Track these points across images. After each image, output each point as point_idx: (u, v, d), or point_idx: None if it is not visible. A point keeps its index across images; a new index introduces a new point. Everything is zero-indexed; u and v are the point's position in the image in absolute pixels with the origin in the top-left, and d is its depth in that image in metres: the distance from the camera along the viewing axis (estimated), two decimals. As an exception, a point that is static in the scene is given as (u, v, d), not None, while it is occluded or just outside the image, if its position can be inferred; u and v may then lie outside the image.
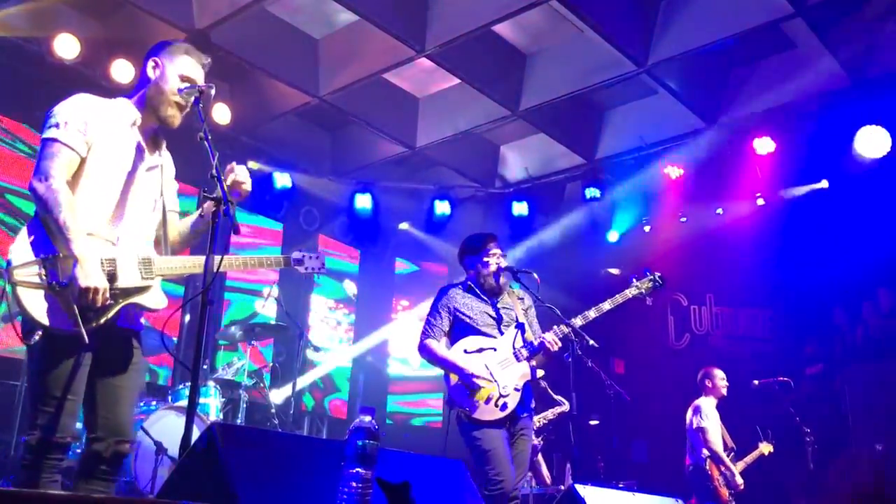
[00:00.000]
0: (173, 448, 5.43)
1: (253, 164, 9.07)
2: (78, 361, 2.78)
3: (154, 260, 2.97)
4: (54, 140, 2.80)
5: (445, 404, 4.54)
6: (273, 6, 7.38)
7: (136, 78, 7.26)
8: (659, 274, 4.93)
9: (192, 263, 3.07)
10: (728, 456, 6.87)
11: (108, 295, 2.78)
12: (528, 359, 4.45)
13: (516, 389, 4.36)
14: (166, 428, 5.63)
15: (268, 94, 8.34)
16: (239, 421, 6.54)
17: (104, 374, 2.90)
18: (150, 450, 5.45)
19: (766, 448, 7.02)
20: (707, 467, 6.78)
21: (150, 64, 3.09)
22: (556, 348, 4.44)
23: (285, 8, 7.50)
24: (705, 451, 6.83)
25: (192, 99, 3.08)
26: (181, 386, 6.35)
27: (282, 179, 9.18)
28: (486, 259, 4.65)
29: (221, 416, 6.44)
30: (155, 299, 2.99)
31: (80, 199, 2.84)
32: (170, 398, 6.29)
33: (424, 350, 4.57)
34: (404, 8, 7.09)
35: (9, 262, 2.72)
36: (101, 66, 7.30)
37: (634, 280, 4.91)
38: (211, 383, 6.49)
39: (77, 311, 2.72)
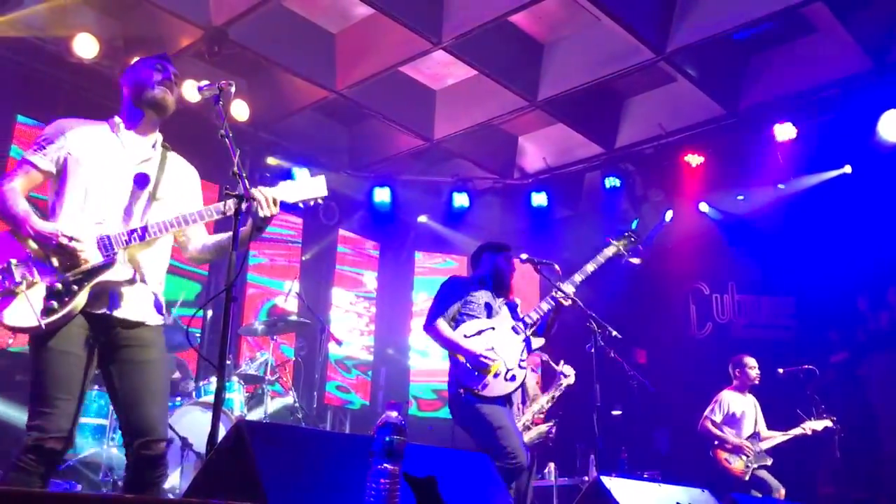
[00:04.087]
0: (199, 444, 5.47)
1: (272, 160, 9.12)
2: (71, 361, 2.83)
3: (112, 236, 2.98)
4: (22, 158, 3.07)
5: (451, 386, 4.69)
6: (289, 1, 7.39)
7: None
8: (633, 230, 5.17)
9: (168, 223, 3.06)
10: (751, 437, 6.82)
11: (85, 240, 2.89)
12: (526, 331, 4.77)
13: (521, 365, 4.65)
14: (191, 424, 5.67)
15: (285, 89, 8.35)
16: (263, 416, 6.58)
17: (121, 379, 2.94)
18: (175, 446, 5.48)
19: (814, 425, 6.81)
20: (715, 455, 6.76)
21: (122, 80, 3.26)
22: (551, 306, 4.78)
23: (301, 3, 7.50)
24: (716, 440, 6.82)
25: (212, 97, 3.09)
26: (205, 381, 6.38)
27: (300, 174, 9.20)
28: (504, 259, 4.99)
29: (246, 411, 6.48)
30: (121, 272, 2.98)
31: (66, 210, 2.98)
32: (194, 394, 6.33)
33: (433, 330, 4.76)
34: (420, 0, 7.07)
35: None
36: (120, 64, 7.32)
37: (611, 240, 5.06)
38: (235, 378, 6.53)
39: (31, 303, 2.79)
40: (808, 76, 7.74)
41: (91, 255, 2.92)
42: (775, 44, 7.84)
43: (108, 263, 2.94)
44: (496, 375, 4.53)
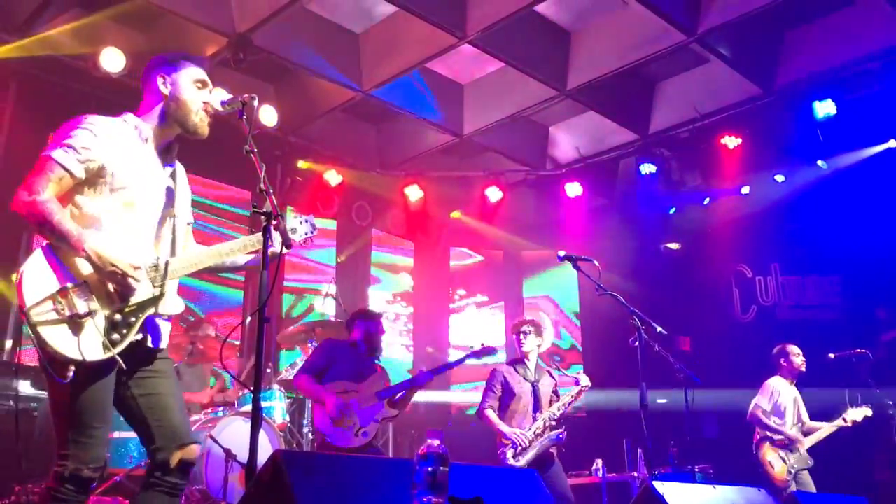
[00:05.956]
0: (243, 454, 5.44)
1: (303, 164, 9.10)
2: (107, 387, 2.74)
3: (161, 265, 2.89)
4: (48, 158, 2.76)
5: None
6: (312, 4, 7.33)
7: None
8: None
9: (200, 259, 2.99)
10: (795, 429, 6.64)
11: (140, 269, 2.76)
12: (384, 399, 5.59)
13: (375, 420, 5.47)
14: (234, 434, 5.66)
15: (312, 92, 8.31)
16: (305, 422, 6.56)
17: (141, 389, 2.86)
18: (219, 457, 5.48)
19: (856, 414, 6.60)
20: (759, 452, 6.57)
21: (159, 80, 3.02)
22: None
23: (324, 5, 7.44)
24: (759, 433, 6.63)
25: (236, 111, 3.02)
26: (246, 391, 6.37)
27: (332, 177, 9.19)
28: (374, 325, 5.72)
29: (288, 419, 6.48)
30: (171, 305, 2.91)
31: (97, 222, 2.79)
32: (236, 403, 6.33)
33: (297, 383, 5.51)
34: (443, -5, 6.97)
35: (22, 305, 2.61)
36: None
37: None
38: (275, 386, 6.52)
39: (106, 337, 2.68)
40: (847, 50, 7.49)
41: (144, 286, 2.81)
42: (811, 18, 7.61)
43: (159, 295, 2.86)
44: (350, 428, 5.26)
